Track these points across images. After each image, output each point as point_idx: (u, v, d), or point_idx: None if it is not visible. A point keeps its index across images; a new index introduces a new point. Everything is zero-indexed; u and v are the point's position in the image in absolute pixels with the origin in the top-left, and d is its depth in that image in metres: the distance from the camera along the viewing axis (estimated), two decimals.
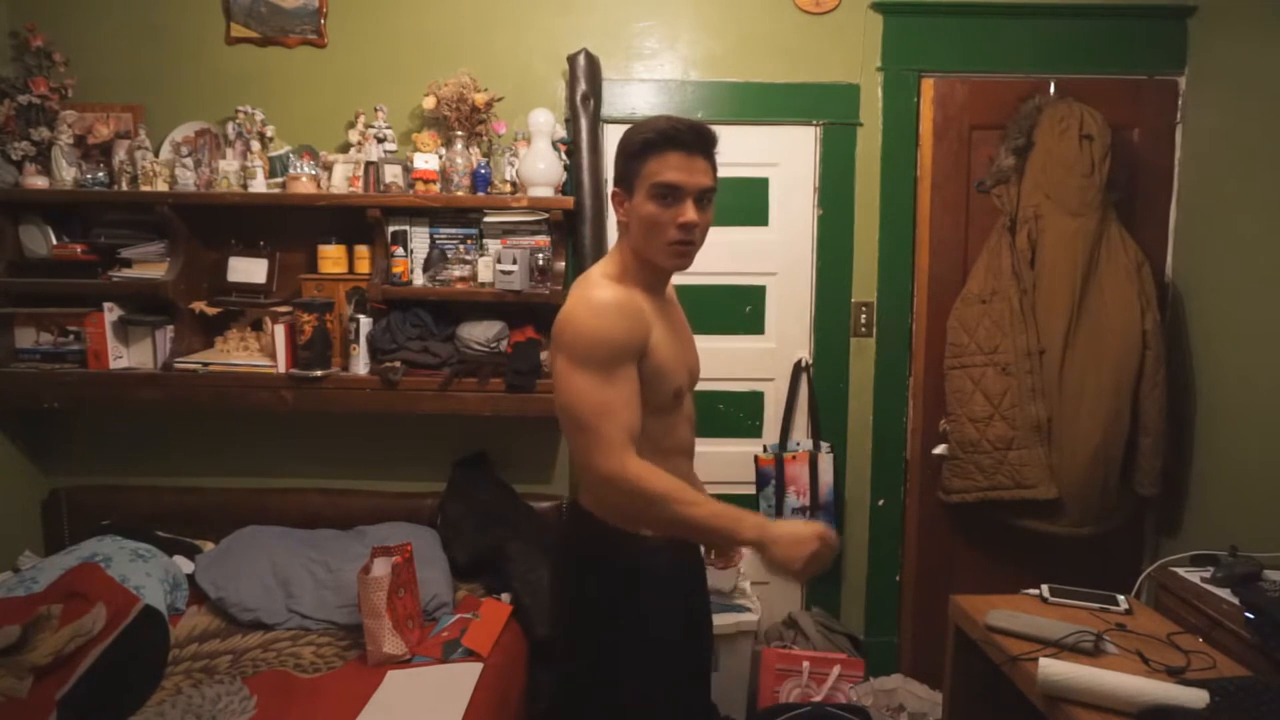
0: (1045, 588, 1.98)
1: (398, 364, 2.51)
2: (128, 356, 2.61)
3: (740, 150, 2.65)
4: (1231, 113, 2.47)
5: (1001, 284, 2.54)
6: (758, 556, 1.42)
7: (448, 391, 2.52)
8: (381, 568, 2.15)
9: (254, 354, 2.62)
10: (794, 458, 2.74)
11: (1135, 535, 2.77)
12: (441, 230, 2.61)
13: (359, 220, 2.52)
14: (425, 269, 2.59)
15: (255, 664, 2.15)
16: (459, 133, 2.56)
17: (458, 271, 2.57)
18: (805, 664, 2.58)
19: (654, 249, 1.49)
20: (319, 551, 2.49)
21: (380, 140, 2.56)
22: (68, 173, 2.54)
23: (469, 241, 2.61)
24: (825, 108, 2.72)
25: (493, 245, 2.57)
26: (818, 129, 2.74)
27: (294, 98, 2.68)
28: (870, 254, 2.77)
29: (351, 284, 2.59)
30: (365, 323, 2.55)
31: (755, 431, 2.86)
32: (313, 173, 2.55)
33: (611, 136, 2.71)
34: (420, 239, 2.61)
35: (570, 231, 2.63)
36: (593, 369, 1.41)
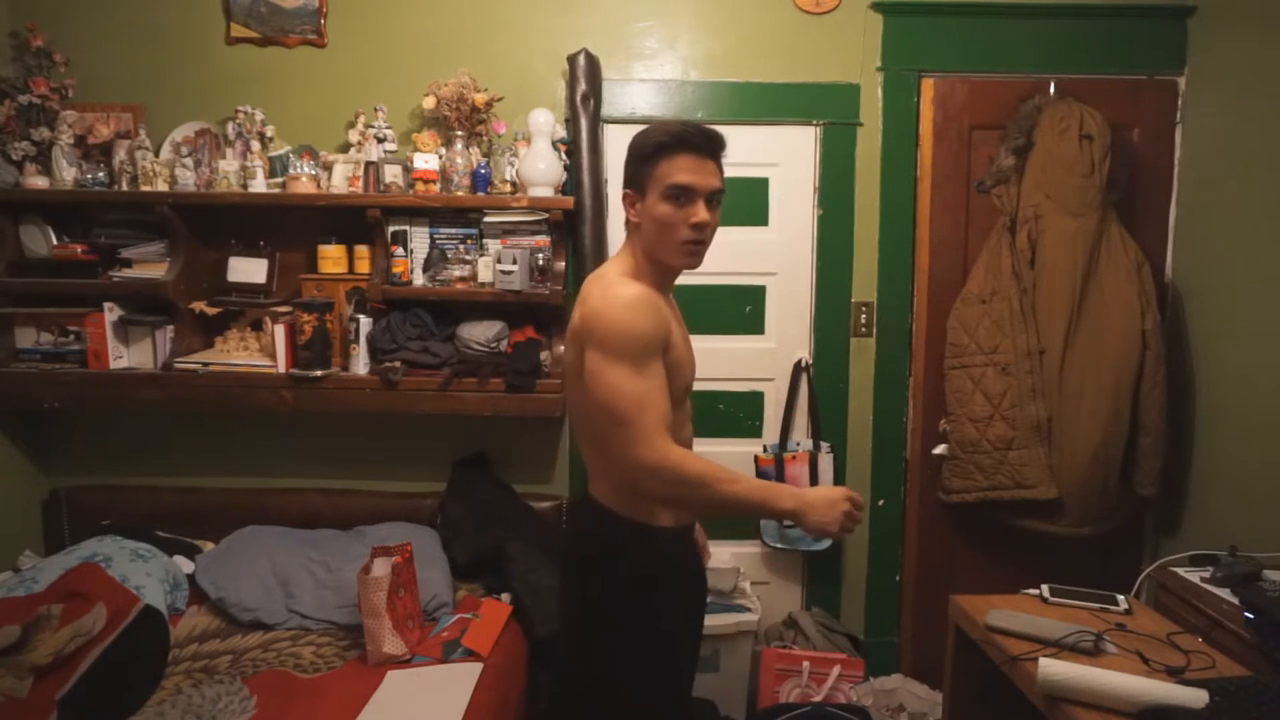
0: (1045, 588, 1.98)
1: (398, 364, 2.51)
2: (128, 356, 2.61)
3: (740, 150, 2.60)
4: (1231, 113, 2.47)
5: (1001, 284, 2.54)
6: (798, 523, 1.48)
7: (448, 391, 2.52)
8: (381, 568, 2.15)
9: (254, 354, 2.62)
10: (794, 458, 2.74)
11: (1135, 535, 2.77)
12: (441, 230, 2.61)
13: (359, 220, 2.52)
14: (425, 269, 2.59)
15: (255, 664, 2.15)
16: (459, 133, 2.56)
17: (458, 271, 2.57)
18: (805, 664, 2.58)
19: (666, 248, 1.54)
20: (319, 551, 2.49)
21: (380, 140, 2.56)
22: (68, 173, 2.54)
23: (469, 241, 2.61)
24: (825, 108, 2.72)
25: (493, 245, 2.57)
26: (818, 129, 2.74)
27: (294, 98, 2.68)
28: (870, 254, 2.77)
29: (351, 284, 2.59)
30: (365, 323, 2.55)
31: (755, 431, 2.86)
32: (313, 173, 2.55)
33: (611, 136, 2.72)
34: (420, 239, 2.61)
35: (570, 231, 2.63)
36: (627, 362, 1.44)
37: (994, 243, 2.59)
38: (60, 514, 2.74)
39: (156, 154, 2.59)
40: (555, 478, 2.85)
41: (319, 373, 2.51)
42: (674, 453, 1.44)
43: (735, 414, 2.86)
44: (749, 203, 2.73)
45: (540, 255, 2.55)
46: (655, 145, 1.51)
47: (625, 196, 1.58)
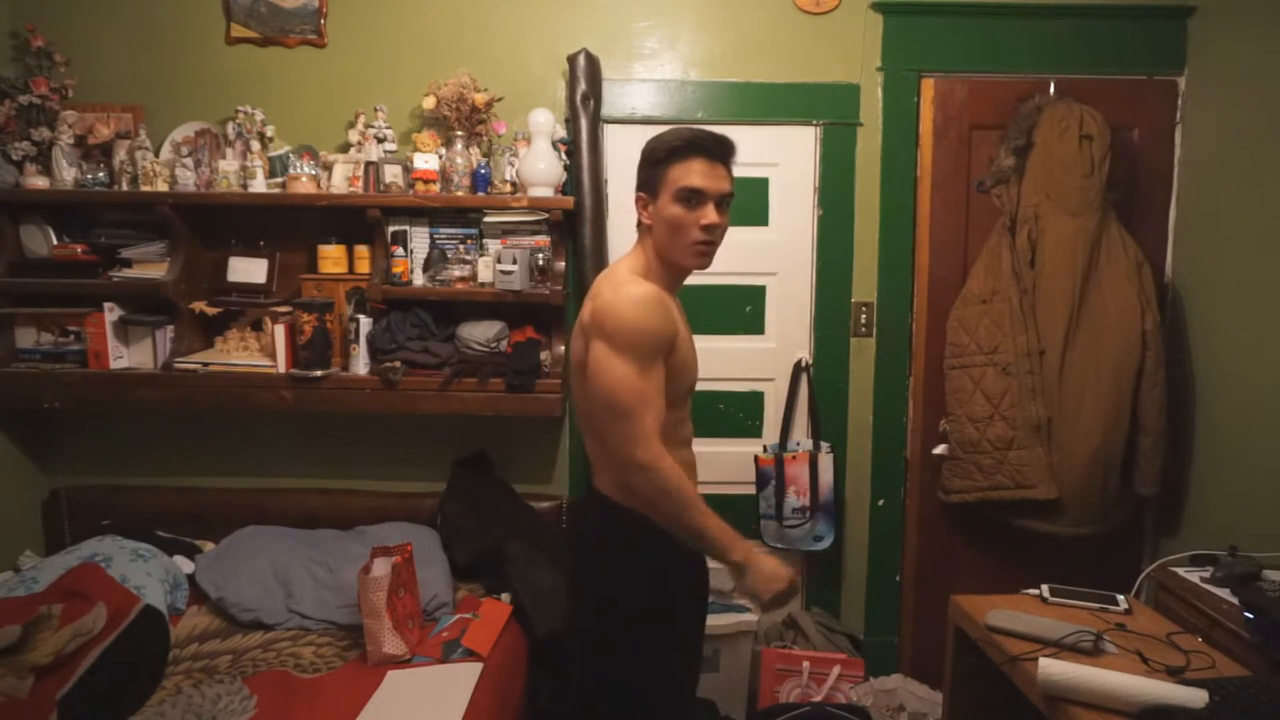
0: (1045, 588, 1.98)
1: (398, 364, 2.51)
2: (128, 356, 2.61)
3: (740, 150, 2.60)
4: (1231, 113, 2.47)
5: (1001, 284, 2.54)
6: (735, 577, 1.56)
7: (448, 391, 2.52)
8: (381, 568, 2.15)
9: (254, 354, 2.62)
10: (794, 458, 2.74)
11: (1135, 535, 2.77)
12: (441, 230, 2.61)
13: (359, 220, 2.52)
14: (425, 269, 2.59)
15: (255, 664, 2.15)
16: (459, 133, 2.56)
17: (458, 271, 2.57)
18: (805, 664, 2.58)
19: (678, 249, 1.59)
20: (319, 551, 2.49)
21: (380, 140, 2.57)
22: (68, 173, 2.54)
23: (469, 241, 2.61)
24: (825, 108, 2.72)
25: (493, 245, 2.57)
26: (818, 129, 2.74)
27: (294, 98, 2.68)
28: (870, 254, 2.77)
29: (351, 284, 2.59)
30: (365, 323, 2.55)
31: (755, 431, 2.86)
32: (313, 173, 2.55)
33: (611, 136, 2.72)
34: (420, 239, 2.61)
35: (570, 231, 2.63)
36: (633, 358, 1.49)
37: (994, 243, 2.59)
38: (60, 514, 2.74)
39: (156, 154, 2.59)
40: (555, 478, 2.84)
41: (319, 373, 2.51)
42: (666, 459, 1.50)
43: (735, 414, 2.86)
44: (749, 203, 2.73)
45: (540, 255, 2.55)
46: (668, 149, 1.58)
47: (638, 199, 1.64)
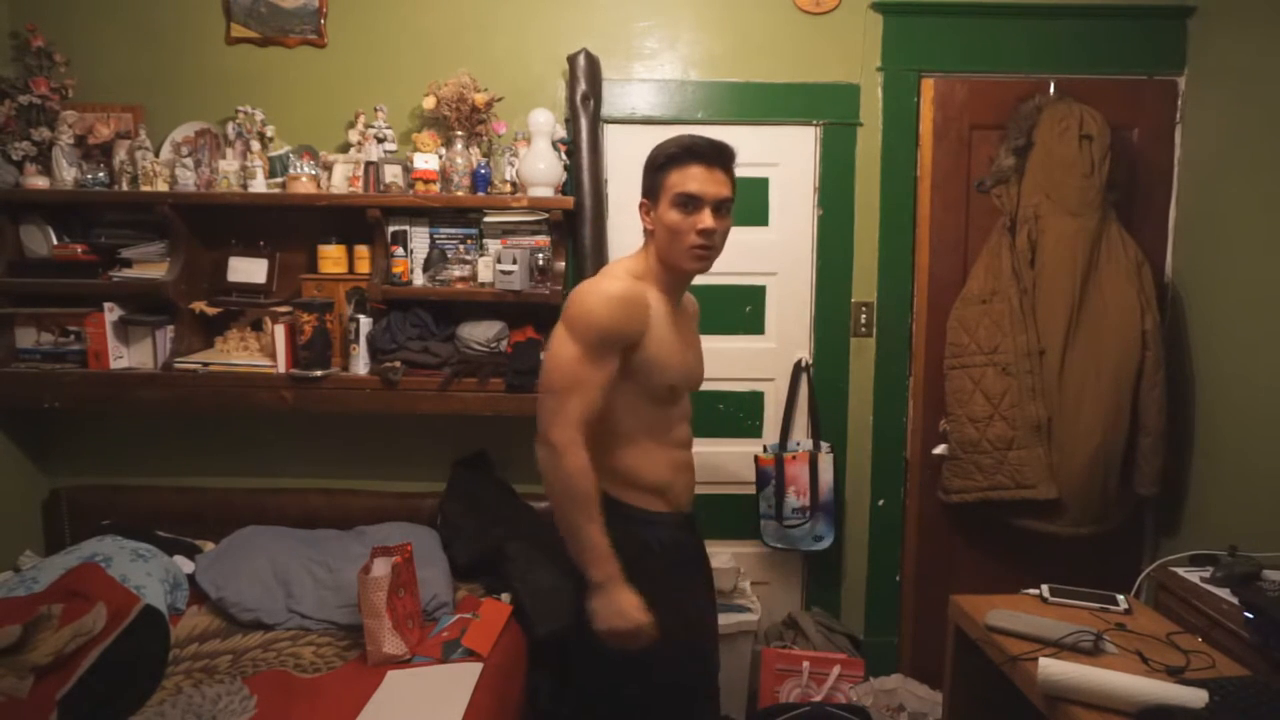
0: (1045, 588, 1.98)
1: (398, 364, 2.51)
2: (128, 356, 2.61)
3: (740, 150, 2.61)
4: (1231, 113, 2.47)
5: (1001, 284, 2.54)
6: (589, 593, 1.57)
7: (448, 391, 2.52)
8: (381, 568, 2.14)
9: (254, 354, 2.62)
10: (794, 458, 2.74)
11: (1135, 535, 2.77)
12: (441, 230, 2.61)
13: (359, 220, 2.52)
14: (425, 269, 2.59)
15: (255, 664, 2.15)
16: (459, 133, 2.56)
17: (458, 271, 2.57)
18: (805, 664, 2.58)
19: (676, 253, 1.64)
20: (319, 551, 2.49)
21: (380, 140, 2.56)
22: (68, 173, 2.54)
23: (469, 241, 2.61)
24: (825, 108, 2.72)
25: (493, 245, 2.57)
26: (818, 129, 2.74)
27: (294, 98, 2.68)
28: (870, 254, 2.77)
29: (351, 284, 2.59)
30: (365, 323, 2.55)
31: (755, 431, 2.86)
32: (313, 173, 2.55)
33: (611, 136, 2.72)
34: (420, 239, 2.61)
35: (570, 231, 2.63)
36: (581, 344, 1.55)
37: (994, 243, 2.59)
38: (60, 514, 2.74)
39: (156, 154, 2.59)
40: None
41: (319, 373, 2.51)
42: (578, 449, 1.54)
43: (735, 414, 2.85)
44: (749, 203, 2.73)
45: (540, 255, 2.55)
46: (666, 156, 1.63)
47: (641, 205, 1.69)
